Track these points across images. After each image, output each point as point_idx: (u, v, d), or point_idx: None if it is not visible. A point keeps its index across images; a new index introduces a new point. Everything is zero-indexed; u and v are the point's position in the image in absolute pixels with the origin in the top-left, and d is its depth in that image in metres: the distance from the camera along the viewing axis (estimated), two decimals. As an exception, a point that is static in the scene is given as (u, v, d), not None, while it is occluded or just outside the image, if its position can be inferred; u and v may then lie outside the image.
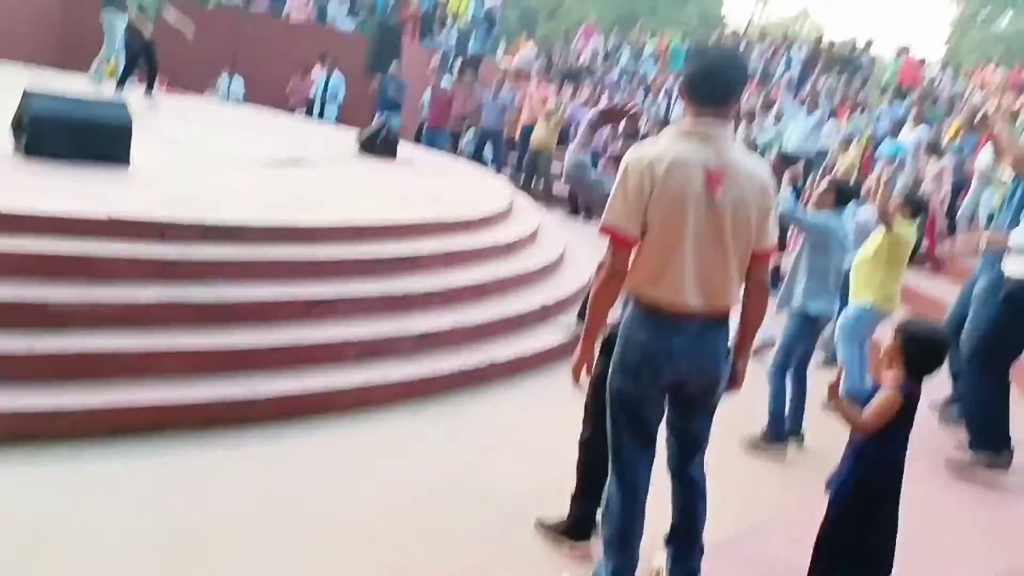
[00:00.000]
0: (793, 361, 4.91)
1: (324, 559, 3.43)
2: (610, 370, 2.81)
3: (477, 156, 14.41)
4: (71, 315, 4.33)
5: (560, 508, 3.74)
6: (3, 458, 3.71)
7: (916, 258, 9.16)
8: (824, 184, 5.15)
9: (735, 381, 2.94)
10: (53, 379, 4.10)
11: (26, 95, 6.07)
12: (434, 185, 8.79)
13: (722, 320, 2.77)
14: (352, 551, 3.51)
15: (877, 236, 5.49)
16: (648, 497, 2.83)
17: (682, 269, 2.65)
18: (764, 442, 4.91)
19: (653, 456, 2.86)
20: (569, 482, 3.70)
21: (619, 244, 2.68)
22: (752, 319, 2.89)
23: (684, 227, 2.64)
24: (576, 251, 8.87)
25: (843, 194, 5.06)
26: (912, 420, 3.13)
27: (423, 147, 13.39)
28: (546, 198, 13.87)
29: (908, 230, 5.56)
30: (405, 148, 10.42)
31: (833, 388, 3.02)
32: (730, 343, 2.85)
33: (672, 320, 2.70)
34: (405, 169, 9.46)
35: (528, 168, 14.21)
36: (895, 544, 3.04)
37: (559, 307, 7.03)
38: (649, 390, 2.77)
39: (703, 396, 2.83)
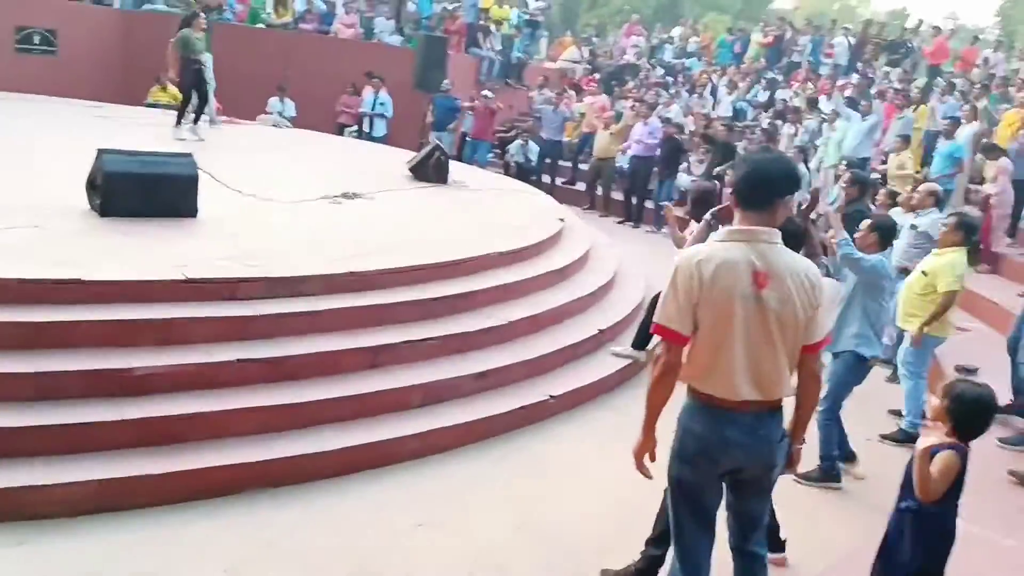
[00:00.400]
0: (843, 404, 4.97)
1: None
2: (669, 458, 2.96)
3: (532, 168, 14.61)
4: (152, 380, 4.59)
5: (627, 551, 3.90)
6: (93, 527, 3.96)
7: (971, 260, 9.11)
8: (865, 226, 5.17)
9: (791, 463, 3.08)
10: (137, 445, 4.35)
11: (100, 153, 6.36)
12: (486, 211, 8.95)
13: (775, 409, 2.90)
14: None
15: (922, 271, 5.52)
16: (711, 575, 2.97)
17: (733, 364, 2.79)
18: (818, 480, 4.97)
19: (713, 538, 3.00)
20: (636, 522, 3.86)
21: (672, 341, 2.82)
22: (806, 407, 3.02)
23: (732, 325, 2.78)
24: (628, 264, 8.97)
25: (885, 232, 5.10)
26: (964, 477, 3.21)
27: (465, 159, 13.63)
28: (605, 206, 14.06)
29: (959, 257, 5.56)
30: (454, 168, 10.60)
31: (925, 452, 3.08)
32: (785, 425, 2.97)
33: (726, 411, 2.84)
34: (456, 194, 9.64)
35: (591, 176, 14.39)
36: None
37: (613, 331, 7.15)
38: (706, 478, 2.92)
39: (759, 480, 2.98)
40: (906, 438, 5.45)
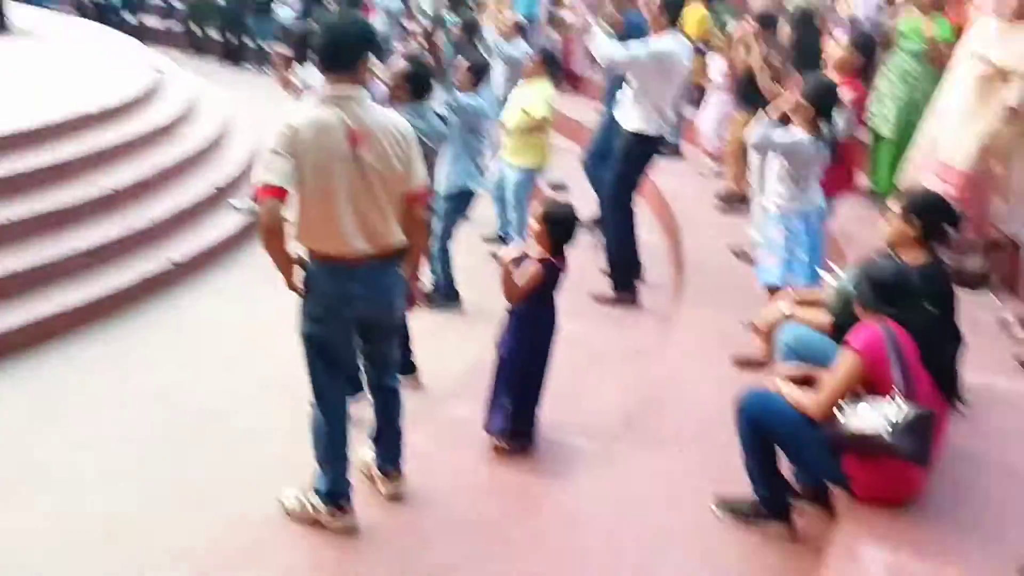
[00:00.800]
0: (454, 236, 5.43)
1: (34, 513, 3.48)
2: (300, 317, 3.09)
3: (113, 7, 13.06)
4: None
5: (275, 411, 4.02)
6: None
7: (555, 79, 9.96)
8: (462, 66, 5.52)
9: (412, 302, 3.38)
10: None
11: None
12: (66, 64, 7.96)
13: (391, 256, 3.11)
14: (63, 504, 3.56)
15: (522, 108, 6.01)
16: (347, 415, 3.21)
17: (342, 221, 2.95)
18: (441, 304, 5.46)
19: (346, 382, 3.24)
20: (285, 377, 3.95)
21: (270, 196, 2.87)
22: (417, 251, 3.26)
23: (334, 184, 2.92)
24: (238, 111, 8.59)
25: (479, 72, 5.50)
26: (557, 283, 3.81)
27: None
28: (203, 47, 13.07)
29: (546, 87, 6.13)
30: (16, 11, 9.19)
31: (511, 262, 3.64)
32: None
33: (346, 267, 3.01)
34: (24, 44, 8.44)
35: (191, 15, 13.19)
36: (545, 379, 3.80)
37: (232, 187, 6.95)
38: (335, 331, 3.11)
39: (386, 324, 3.24)
40: None
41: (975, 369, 3.78)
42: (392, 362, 3.34)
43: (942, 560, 2.71)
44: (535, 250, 3.72)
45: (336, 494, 3.17)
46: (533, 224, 3.72)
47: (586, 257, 5.88)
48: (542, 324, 3.77)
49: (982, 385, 3.85)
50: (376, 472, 3.40)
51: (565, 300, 3.96)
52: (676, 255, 6.36)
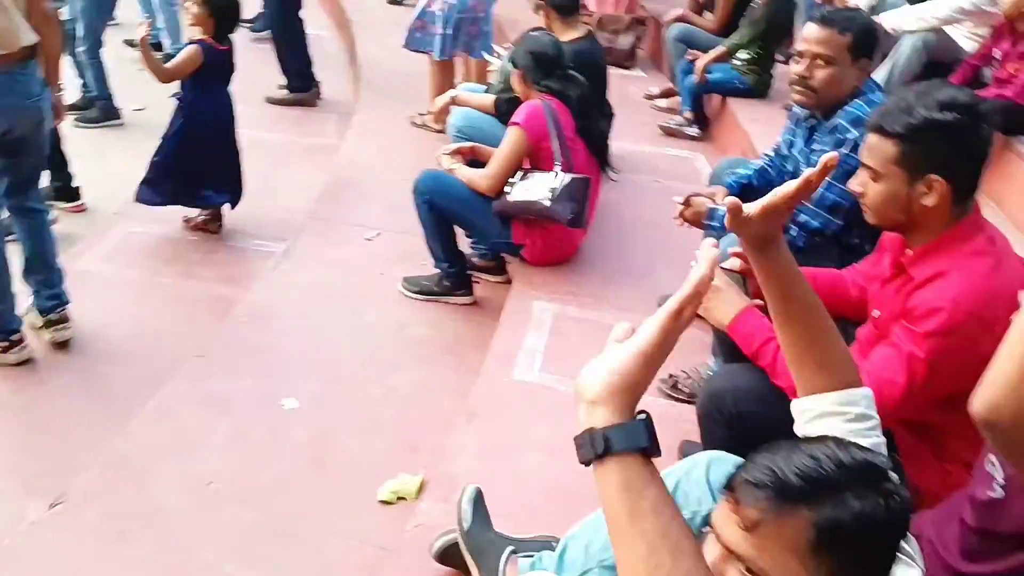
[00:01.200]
0: (103, 40, 4.88)
1: None
2: None
3: None
4: None
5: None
6: None
7: None
8: None
9: (58, 113, 3.05)
10: None
11: None
12: None
13: (24, 60, 2.73)
14: None
15: None
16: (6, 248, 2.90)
17: None
18: (99, 120, 5.00)
19: None
20: None
21: None
22: (51, 52, 2.89)
23: None
24: None
25: None
26: (229, 73, 3.75)
27: None
28: None
29: None
30: None
31: (143, 41, 3.52)
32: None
33: None
34: None
35: None
36: (239, 164, 3.84)
37: None
38: None
39: (30, 138, 2.87)
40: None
41: (624, 138, 4.21)
42: (37, 181, 3.02)
43: (597, 304, 3.10)
44: (195, 33, 3.61)
45: (4, 329, 2.94)
46: (192, 7, 3.55)
47: (255, 59, 5.60)
48: (213, 111, 3.69)
49: (629, 152, 4.31)
50: (35, 317, 3.08)
51: (239, 107, 3.83)
52: (351, 51, 6.23)
